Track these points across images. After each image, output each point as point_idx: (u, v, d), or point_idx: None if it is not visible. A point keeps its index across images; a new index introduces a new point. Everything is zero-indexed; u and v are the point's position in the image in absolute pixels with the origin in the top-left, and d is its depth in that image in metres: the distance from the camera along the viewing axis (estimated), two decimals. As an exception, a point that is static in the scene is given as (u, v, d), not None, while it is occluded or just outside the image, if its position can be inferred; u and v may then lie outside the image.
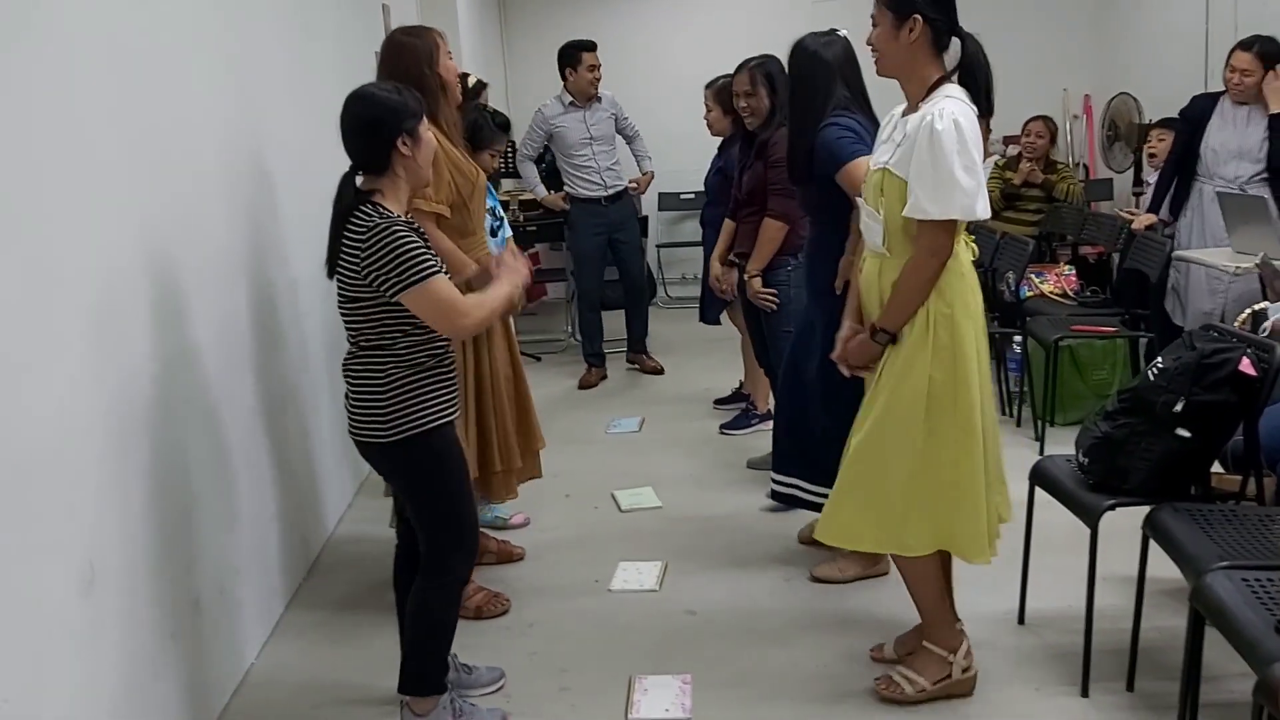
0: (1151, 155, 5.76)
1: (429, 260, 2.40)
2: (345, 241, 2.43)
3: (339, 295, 2.49)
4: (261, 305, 3.37)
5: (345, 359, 2.57)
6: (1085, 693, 2.75)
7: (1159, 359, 2.76)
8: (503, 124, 4.16)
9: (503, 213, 4.05)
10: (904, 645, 2.91)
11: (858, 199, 2.79)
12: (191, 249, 2.84)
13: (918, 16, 2.53)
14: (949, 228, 2.51)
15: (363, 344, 2.51)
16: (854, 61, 3.26)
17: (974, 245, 2.73)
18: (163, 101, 2.73)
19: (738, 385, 5.46)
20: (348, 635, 3.27)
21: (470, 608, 3.27)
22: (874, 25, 2.64)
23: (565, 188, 6.12)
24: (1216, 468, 2.88)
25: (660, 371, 6.24)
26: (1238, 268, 4.39)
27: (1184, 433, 2.62)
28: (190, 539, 2.74)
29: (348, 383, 2.56)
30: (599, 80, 5.97)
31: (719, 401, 5.52)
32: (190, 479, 2.76)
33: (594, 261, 6.12)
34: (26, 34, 2.10)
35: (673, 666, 3.00)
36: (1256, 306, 2.89)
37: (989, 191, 6.61)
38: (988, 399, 2.64)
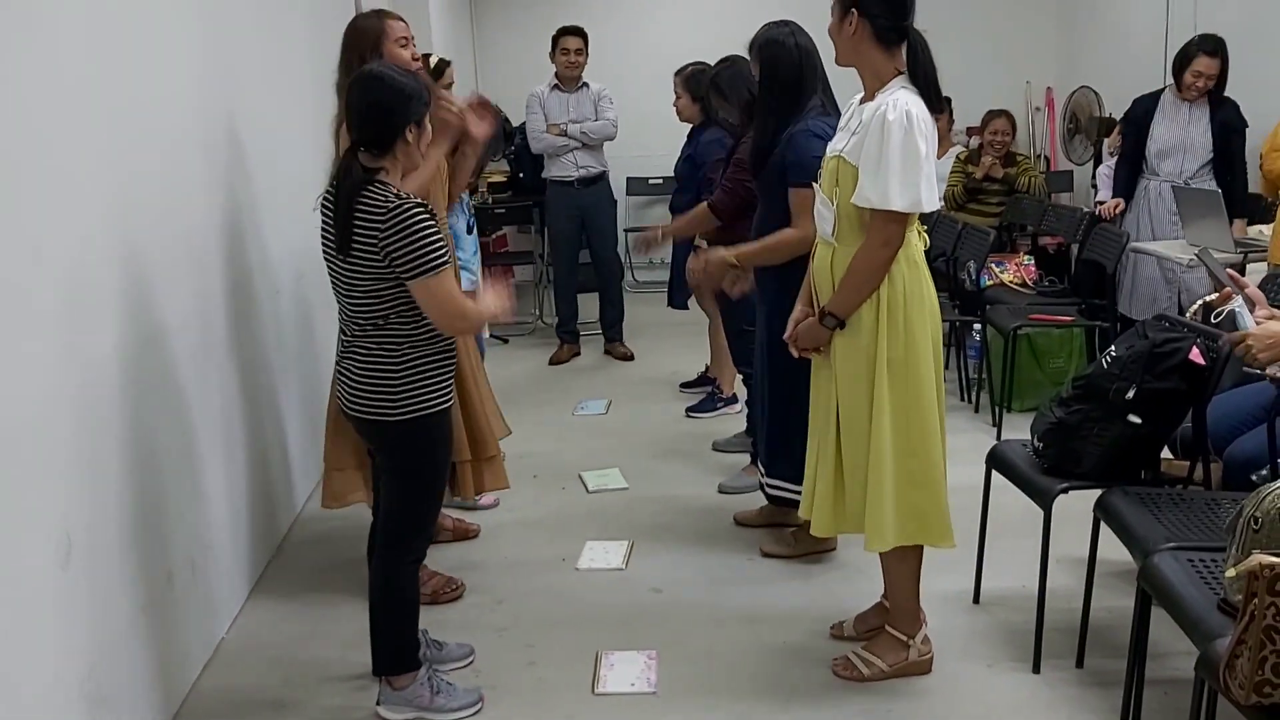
0: (1112, 153, 5.88)
1: (443, 251, 2.44)
2: (359, 220, 2.44)
3: (346, 275, 2.50)
4: (234, 284, 3.39)
5: (350, 338, 2.58)
6: (1037, 669, 2.85)
7: (1112, 347, 2.85)
8: (510, 134, 4.20)
9: (471, 210, 4.08)
10: (864, 623, 2.99)
11: (814, 184, 2.84)
12: (164, 228, 2.86)
13: (854, 11, 2.61)
14: (901, 219, 2.57)
15: (374, 323, 2.52)
16: (815, 49, 3.33)
17: (925, 235, 2.79)
18: (136, 81, 2.74)
19: (703, 369, 5.53)
20: (318, 610, 3.31)
21: (426, 592, 3.30)
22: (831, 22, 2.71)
23: (543, 172, 6.21)
24: (1166, 454, 2.98)
25: (630, 358, 6.30)
26: (1190, 260, 4.51)
27: (1135, 419, 2.71)
28: (163, 513, 2.77)
29: (351, 361, 2.58)
30: (575, 65, 6.07)
31: (685, 385, 5.59)
32: (163, 455, 2.79)
33: (568, 243, 6.20)
34: (3, 13, 2.11)
35: (638, 642, 3.07)
36: (1207, 298, 2.97)
37: (952, 186, 6.72)
38: (940, 389, 2.72)
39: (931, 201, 2.57)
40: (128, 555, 2.55)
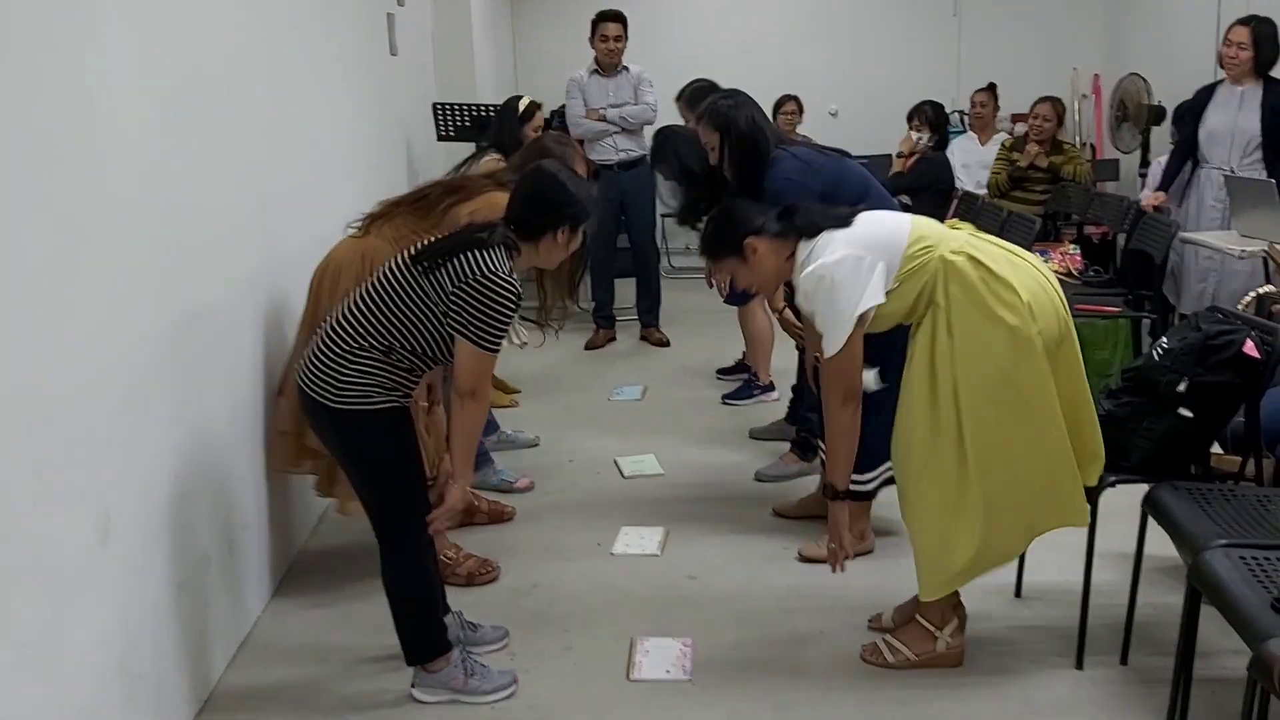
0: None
1: (503, 338, 2.52)
2: (464, 260, 2.49)
3: (401, 278, 2.52)
4: (277, 265, 3.39)
5: (345, 315, 2.57)
6: (1080, 665, 2.80)
7: (1164, 339, 2.79)
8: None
9: None
10: (902, 614, 2.95)
11: None
12: (202, 207, 2.86)
13: (749, 240, 2.71)
14: (847, 349, 2.61)
15: (367, 327, 2.51)
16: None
17: (964, 224, 2.77)
18: (186, 67, 2.74)
19: (740, 356, 5.49)
20: (351, 593, 3.31)
21: (462, 574, 3.31)
22: (734, 278, 2.87)
23: None
24: (1216, 448, 2.91)
25: (666, 344, 6.27)
26: (1243, 251, 4.42)
27: (1186, 413, 2.66)
28: (201, 494, 2.77)
29: (323, 330, 2.58)
30: (614, 51, 6.04)
31: (721, 372, 5.55)
32: (204, 433, 2.79)
33: (607, 228, 6.16)
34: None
35: (674, 630, 3.05)
36: (1261, 290, 2.90)
37: (996, 173, 6.66)
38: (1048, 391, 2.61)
39: (875, 295, 2.57)
40: (166, 535, 2.55)
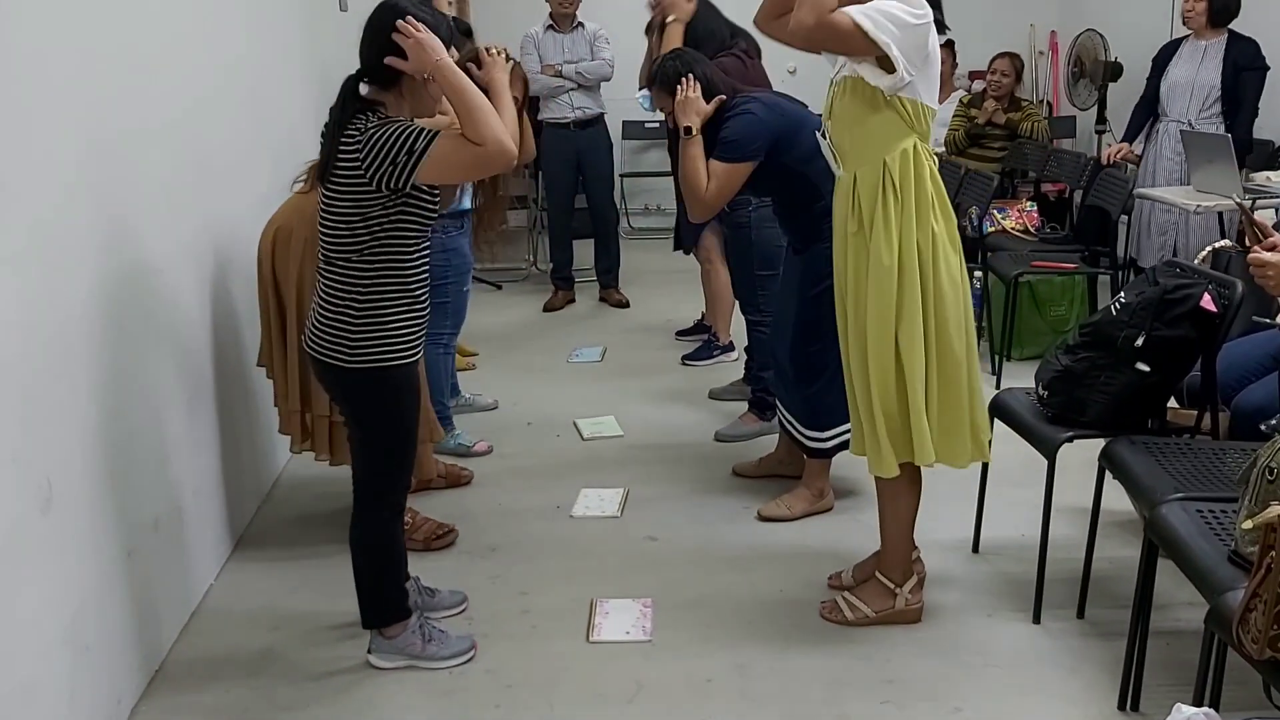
0: None
1: (428, 131, 2.32)
2: (343, 147, 2.35)
3: (324, 205, 2.42)
4: (219, 224, 3.30)
5: (322, 275, 2.49)
6: (1037, 619, 2.81)
7: (1121, 294, 2.78)
8: (465, 30, 4.07)
9: None
10: (863, 571, 2.95)
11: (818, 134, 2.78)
12: (147, 165, 2.77)
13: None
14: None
15: (345, 258, 2.43)
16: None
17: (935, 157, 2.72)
18: (120, 19, 2.64)
19: (699, 317, 5.45)
20: (306, 559, 3.26)
21: (419, 539, 3.26)
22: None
23: (538, 114, 6.07)
24: (1172, 402, 2.93)
25: (625, 305, 6.23)
26: (1198, 206, 4.43)
27: (1143, 367, 2.66)
28: (147, 458, 2.70)
29: (319, 298, 2.50)
30: (570, 3, 5.95)
31: (681, 333, 5.52)
32: (148, 398, 2.72)
33: (564, 188, 6.09)
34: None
35: (633, 590, 3.03)
36: (1217, 244, 2.90)
37: (954, 130, 6.63)
38: (966, 312, 2.64)
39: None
40: (111, 501, 2.48)
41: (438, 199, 2.51)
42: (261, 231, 3.17)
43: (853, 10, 2.43)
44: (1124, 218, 5.16)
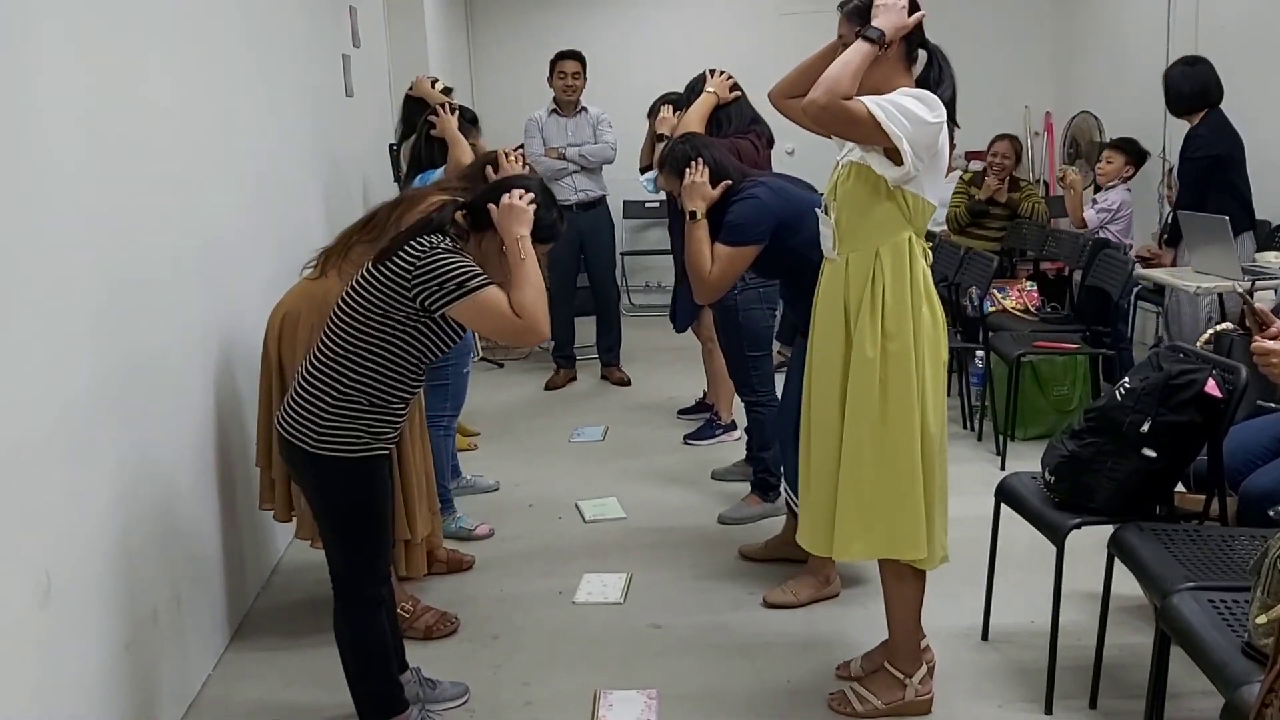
0: (1101, 174, 5.84)
1: (480, 273, 2.40)
2: (410, 248, 2.41)
3: (358, 289, 2.43)
4: (224, 310, 3.31)
5: (315, 350, 2.49)
6: (1049, 710, 2.76)
7: (1126, 379, 2.78)
8: (470, 118, 4.12)
9: None
10: (871, 661, 2.91)
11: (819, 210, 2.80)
12: (152, 248, 2.79)
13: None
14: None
15: (336, 349, 2.44)
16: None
17: (929, 251, 2.74)
18: (131, 102, 2.68)
19: (701, 396, 5.45)
20: (305, 649, 3.20)
21: (420, 629, 3.22)
22: (843, 44, 2.63)
23: None
24: (1179, 488, 2.91)
25: (627, 383, 6.23)
26: (1198, 287, 4.45)
27: (1150, 453, 2.64)
28: (148, 549, 2.68)
29: (301, 374, 2.50)
30: (573, 89, 6.04)
31: (683, 412, 5.51)
32: (148, 488, 2.70)
33: (566, 268, 6.11)
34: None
35: (638, 680, 2.98)
36: (1219, 327, 2.91)
37: (954, 207, 6.67)
38: (939, 398, 2.65)
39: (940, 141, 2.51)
40: (111, 593, 2.46)
41: (455, 341, 2.54)
42: (269, 315, 3.18)
43: (868, 99, 2.46)
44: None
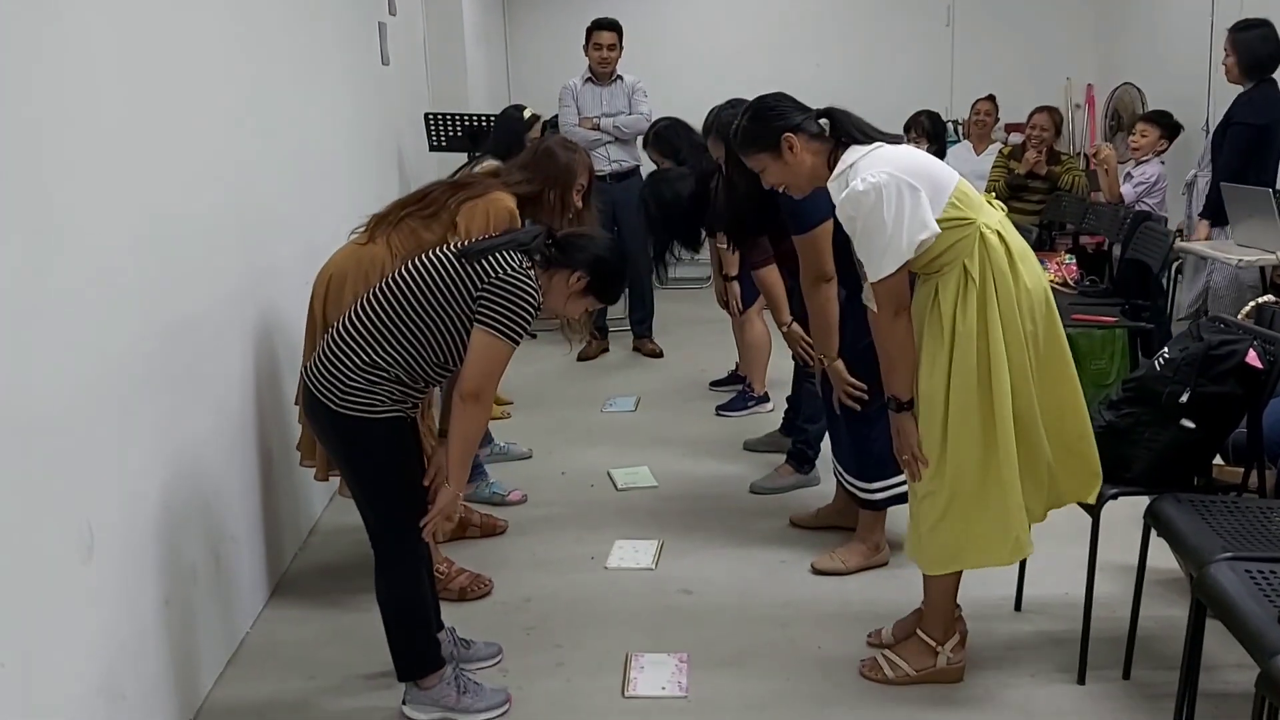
0: (1135, 149, 5.76)
1: (523, 334, 2.48)
2: (501, 254, 2.48)
3: (419, 277, 2.49)
4: (266, 275, 3.34)
5: (356, 308, 2.53)
6: (1082, 680, 2.76)
7: (1165, 349, 2.76)
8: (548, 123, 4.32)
9: None
10: (903, 629, 2.91)
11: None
12: (193, 215, 2.82)
13: (788, 134, 2.59)
14: (897, 276, 2.49)
15: (375, 312, 2.48)
16: None
17: (999, 203, 2.69)
18: (172, 72, 2.70)
19: (733, 367, 5.45)
20: (342, 607, 3.25)
21: (454, 589, 3.25)
22: (761, 172, 2.68)
23: None
24: (1217, 459, 2.88)
25: (659, 355, 6.23)
26: (1240, 260, 4.39)
27: (1188, 423, 2.62)
28: (188, 506, 2.72)
29: (337, 329, 2.53)
30: (608, 60, 6.03)
31: (715, 383, 5.51)
32: (189, 445, 2.74)
33: None
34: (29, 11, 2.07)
35: (669, 645, 3.00)
36: (1261, 299, 2.87)
37: (994, 181, 6.61)
38: (1025, 381, 2.57)
39: (928, 225, 2.44)
40: (152, 549, 2.50)
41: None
42: (316, 275, 3.20)
43: (888, 263, 2.45)
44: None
